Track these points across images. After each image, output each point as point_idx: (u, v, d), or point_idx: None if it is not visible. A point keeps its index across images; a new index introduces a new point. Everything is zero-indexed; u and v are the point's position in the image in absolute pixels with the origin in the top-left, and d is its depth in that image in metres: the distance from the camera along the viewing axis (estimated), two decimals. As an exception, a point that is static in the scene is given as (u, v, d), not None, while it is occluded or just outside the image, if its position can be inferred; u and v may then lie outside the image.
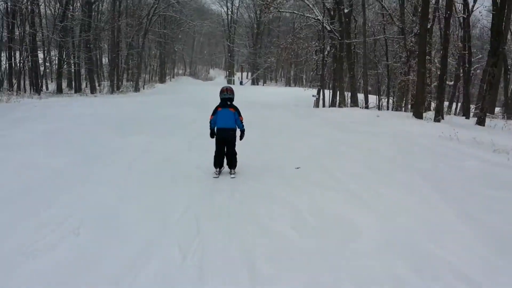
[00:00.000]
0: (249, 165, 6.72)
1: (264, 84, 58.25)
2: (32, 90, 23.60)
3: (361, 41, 22.11)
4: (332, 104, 25.40)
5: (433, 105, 18.92)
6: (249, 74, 62.64)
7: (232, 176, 6.16)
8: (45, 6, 26.71)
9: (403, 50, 19.03)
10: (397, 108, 19.04)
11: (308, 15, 25.46)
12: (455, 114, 21.44)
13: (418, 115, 14.56)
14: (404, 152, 8.25)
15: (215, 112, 6.22)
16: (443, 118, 14.88)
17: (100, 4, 33.08)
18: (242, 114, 6.33)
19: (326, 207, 4.84)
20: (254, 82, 58.09)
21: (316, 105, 27.11)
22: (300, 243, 3.84)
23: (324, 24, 23.93)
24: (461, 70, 20.57)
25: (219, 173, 6.27)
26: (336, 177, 6.25)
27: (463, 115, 19.15)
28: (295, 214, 4.57)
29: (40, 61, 25.57)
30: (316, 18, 24.78)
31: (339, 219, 4.45)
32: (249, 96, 25.89)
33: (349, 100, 22.60)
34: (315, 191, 5.47)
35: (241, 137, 6.36)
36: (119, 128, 10.45)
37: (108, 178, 5.86)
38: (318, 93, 27.64)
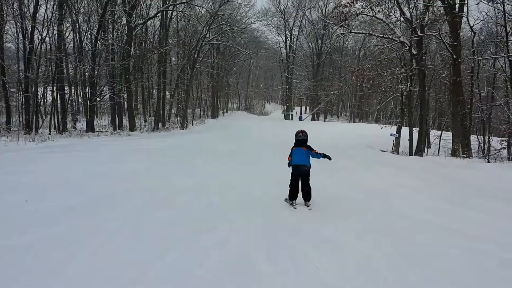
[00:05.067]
0: None
1: (326, 120, 52.73)
2: (55, 129, 19.95)
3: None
4: (418, 149, 19.24)
5: None
6: (308, 108, 57.58)
7: (309, 208, 6.48)
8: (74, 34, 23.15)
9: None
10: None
11: (389, 36, 20.09)
12: None
13: None
14: None
15: (291, 152, 6.88)
16: None
17: (143, 30, 29.76)
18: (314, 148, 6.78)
19: None
20: (314, 117, 52.78)
21: (396, 147, 21.53)
22: None
23: (409, 47, 18.56)
24: None
25: (294, 204, 6.57)
26: None
27: None
28: None
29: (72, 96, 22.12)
30: (398, 39, 19.44)
31: None
32: (313, 138, 20.15)
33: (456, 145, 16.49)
34: None
35: (328, 157, 6.86)
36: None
37: None
38: (398, 131, 22.26)
